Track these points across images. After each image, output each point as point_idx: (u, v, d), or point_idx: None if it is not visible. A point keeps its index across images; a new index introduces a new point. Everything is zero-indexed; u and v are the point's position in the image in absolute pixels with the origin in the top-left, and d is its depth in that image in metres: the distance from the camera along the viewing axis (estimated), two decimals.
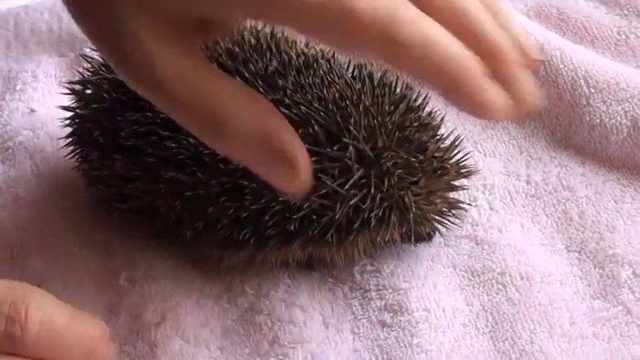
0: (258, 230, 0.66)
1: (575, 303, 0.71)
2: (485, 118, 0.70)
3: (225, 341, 0.69)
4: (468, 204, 0.75)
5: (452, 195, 0.72)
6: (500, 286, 0.72)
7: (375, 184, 0.66)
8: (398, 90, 0.69)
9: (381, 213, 0.66)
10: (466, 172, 0.72)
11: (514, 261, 0.73)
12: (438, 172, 0.69)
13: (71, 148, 0.74)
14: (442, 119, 0.72)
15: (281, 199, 0.65)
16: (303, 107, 0.65)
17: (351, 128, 0.65)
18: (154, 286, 0.71)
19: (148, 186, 0.68)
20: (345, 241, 0.68)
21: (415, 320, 0.70)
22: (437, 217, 0.71)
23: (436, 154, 0.69)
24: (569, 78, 0.82)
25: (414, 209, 0.67)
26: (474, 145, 0.82)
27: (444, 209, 0.71)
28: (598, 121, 0.81)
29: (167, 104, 0.54)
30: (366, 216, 0.66)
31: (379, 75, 0.69)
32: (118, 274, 0.72)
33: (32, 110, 0.85)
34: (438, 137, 0.70)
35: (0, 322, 0.55)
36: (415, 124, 0.68)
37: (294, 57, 0.68)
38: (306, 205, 0.65)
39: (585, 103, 0.81)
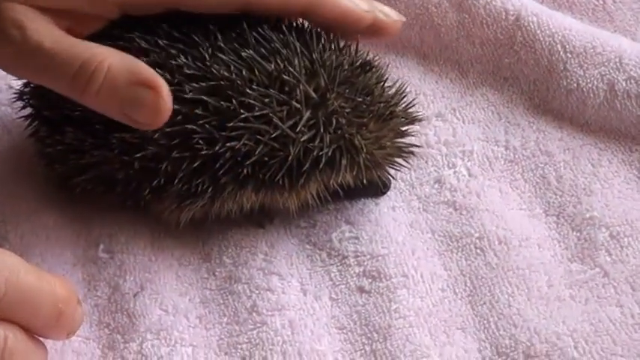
0: (213, 178, 0.67)
1: (553, 266, 0.71)
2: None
3: (204, 310, 0.69)
4: (418, 146, 0.75)
5: (403, 140, 0.72)
6: (478, 251, 0.72)
7: (324, 123, 0.66)
8: (329, 37, 0.71)
9: (330, 153, 0.67)
10: (414, 118, 0.73)
11: (492, 225, 0.73)
12: (386, 117, 0.69)
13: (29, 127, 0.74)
14: (387, 66, 0.73)
15: (232, 143, 0.65)
16: (242, 53, 0.67)
17: (291, 70, 0.66)
18: (132, 257, 0.71)
19: (101, 153, 0.68)
20: (296, 185, 0.68)
21: (393, 286, 0.70)
22: (387, 161, 0.72)
23: (382, 100, 0.69)
24: (547, 43, 0.82)
25: (364, 152, 0.68)
26: (453, 112, 0.82)
27: (395, 154, 0.72)
28: (575, 85, 0.81)
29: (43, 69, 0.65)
30: (315, 156, 0.66)
31: (303, 26, 0.72)
32: (96, 246, 0.72)
33: (10, 87, 0.84)
34: (382, 82, 0.71)
35: None
36: (356, 66, 0.69)
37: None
38: (258, 150, 0.65)
39: (562, 68, 0.81)
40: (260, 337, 0.67)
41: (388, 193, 0.76)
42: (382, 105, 0.69)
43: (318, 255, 0.72)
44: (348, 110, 0.67)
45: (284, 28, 0.70)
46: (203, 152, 0.66)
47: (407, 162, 0.74)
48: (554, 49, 0.82)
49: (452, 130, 0.80)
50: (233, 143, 0.65)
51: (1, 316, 0.57)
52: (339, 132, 0.67)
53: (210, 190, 0.67)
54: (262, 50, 0.67)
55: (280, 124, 0.65)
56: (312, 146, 0.66)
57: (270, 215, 0.73)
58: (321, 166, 0.67)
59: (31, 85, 0.72)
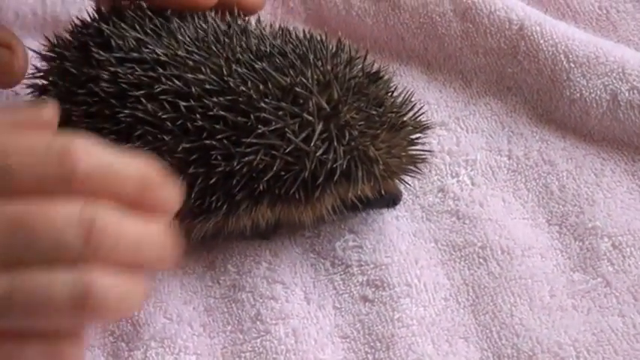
0: (228, 194, 0.67)
1: (556, 276, 0.72)
2: None
3: (208, 318, 0.70)
4: (430, 151, 0.75)
5: (413, 149, 0.72)
6: (481, 260, 0.72)
7: (337, 135, 0.66)
8: (339, 47, 0.71)
9: (345, 166, 0.67)
10: (424, 126, 0.73)
11: (495, 235, 0.74)
12: (398, 126, 0.70)
13: None
14: (393, 74, 0.74)
15: (249, 158, 0.65)
16: (256, 65, 0.67)
17: (304, 82, 0.66)
18: None
19: None
20: (312, 198, 0.68)
21: (397, 295, 0.70)
22: (402, 169, 0.72)
23: (393, 110, 0.70)
24: (550, 53, 0.82)
25: (379, 162, 0.68)
26: (456, 122, 0.82)
27: (408, 162, 0.72)
28: (578, 95, 0.81)
29: None
30: (329, 169, 0.66)
31: (307, 36, 0.71)
32: None
33: (17, 94, 0.85)
34: (391, 92, 0.71)
35: (51, 161, 0.53)
36: (366, 77, 0.69)
37: (225, 26, 0.71)
38: (274, 165, 0.66)
39: (565, 78, 0.81)
40: (264, 346, 0.67)
41: None
42: (393, 115, 0.69)
43: (322, 264, 0.72)
44: (360, 122, 0.67)
45: (296, 38, 0.70)
46: (220, 169, 0.66)
47: (420, 170, 0.74)
48: (557, 59, 0.82)
49: (455, 140, 0.81)
50: (249, 158, 0.65)
51: (88, 191, 0.54)
52: (352, 144, 0.67)
53: (225, 206, 0.67)
54: (276, 62, 0.68)
55: (294, 138, 0.65)
56: (325, 159, 0.66)
57: (275, 227, 0.73)
58: (335, 178, 0.67)
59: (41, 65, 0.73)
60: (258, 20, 0.74)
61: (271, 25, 0.73)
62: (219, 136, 0.65)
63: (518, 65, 0.83)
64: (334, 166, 0.67)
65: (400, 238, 0.74)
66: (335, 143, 0.66)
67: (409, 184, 0.75)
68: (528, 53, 0.83)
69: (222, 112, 0.65)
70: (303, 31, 0.72)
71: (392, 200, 0.75)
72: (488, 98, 0.84)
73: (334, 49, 0.70)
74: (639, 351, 0.67)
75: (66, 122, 0.68)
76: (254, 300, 0.70)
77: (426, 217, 0.76)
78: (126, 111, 0.66)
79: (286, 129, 0.65)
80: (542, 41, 0.82)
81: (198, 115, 0.65)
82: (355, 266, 0.72)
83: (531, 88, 0.83)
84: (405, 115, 0.71)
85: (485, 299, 0.70)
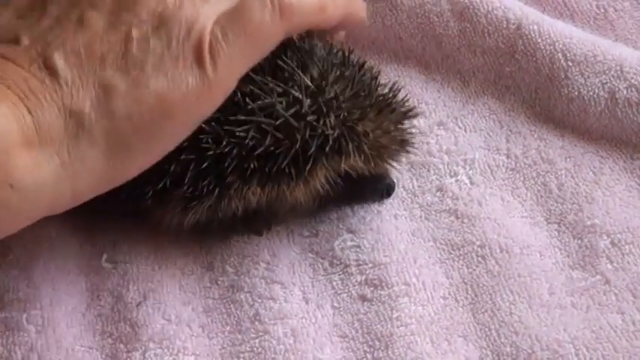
0: (219, 177, 0.67)
1: (554, 273, 0.72)
2: None
3: (207, 319, 0.69)
4: (415, 141, 0.75)
5: (403, 133, 0.73)
6: (480, 259, 0.72)
7: (326, 109, 0.67)
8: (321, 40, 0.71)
9: (335, 136, 0.67)
10: (411, 110, 0.73)
11: (494, 234, 0.74)
12: (385, 109, 0.70)
13: None
14: (378, 66, 0.74)
15: (239, 137, 0.66)
16: None
17: (286, 60, 0.67)
18: (135, 267, 0.71)
19: None
20: (303, 172, 0.68)
21: (395, 294, 0.70)
22: (392, 150, 0.72)
23: (379, 94, 0.70)
24: (547, 52, 0.82)
25: (368, 138, 0.68)
26: (455, 121, 0.82)
27: (397, 145, 0.72)
28: (576, 93, 0.81)
29: None
30: (321, 140, 0.67)
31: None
32: (100, 256, 0.72)
33: None
34: (376, 79, 0.71)
35: None
36: (350, 64, 0.70)
37: None
38: (265, 142, 0.66)
39: (563, 77, 0.81)
40: (262, 346, 0.67)
41: (390, 201, 0.76)
42: (380, 99, 0.70)
43: (321, 264, 0.72)
44: (346, 98, 0.68)
45: None
46: (210, 152, 0.66)
47: (409, 152, 0.74)
48: (555, 58, 0.82)
49: (454, 139, 0.81)
50: (240, 136, 0.65)
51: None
52: (341, 117, 0.67)
53: (216, 189, 0.67)
54: None
55: (283, 112, 0.66)
56: (317, 127, 0.66)
57: (268, 222, 0.73)
58: (327, 149, 0.67)
59: None
60: None
61: None
62: (208, 119, 0.65)
63: (516, 64, 0.83)
64: (326, 134, 0.67)
65: (399, 238, 0.74)
66: (324, 115, 0.67)
67: (398, 170, 0.76)
68: (526, 52, 0.83)
69: None
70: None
71: (386, 190, 0.75)
72: (486, 97, 0.84)
73: (314, 41, 0.71)
74: (638, 348, 0.67)
75: None
76: (252, 300, 0.70)
77: (425, 216, 0.76)
78: None
79: (275, 104, 0.66)
80: (539, 40, 0.82)
81: None
82: (354, 266, 0.72)
83: (529, 87, 0.83)
84: (392, 100, 0.71)
85: (484, 298, 0.70)
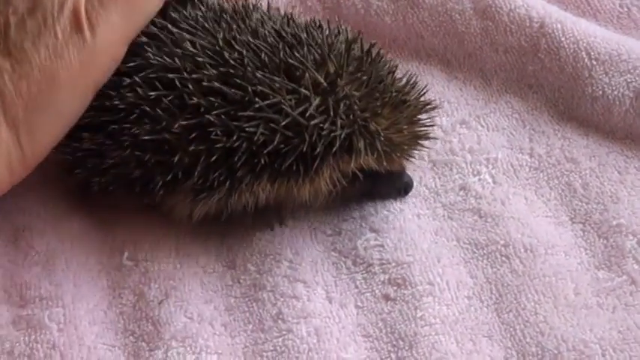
0: (230, 170, 0.67)
1: (580, 274, 0.71)
2: None
3: (229, 318, 0.69)
4: (430, 135, 0.74)
5: (418, 127, 0.72)
6: (504, 259, 0.72)
7: (334, 108, 0.66)
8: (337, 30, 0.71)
9: (343, 136, 0.67)
10: (427, 105, 0.72)
11: (518, 233, 0.73)
12: (400, 104, 0.69)
13: None
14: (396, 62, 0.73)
15: (248, 132, 0.66)
16: (251, 43, 0.68)
17: (299, 57, 0.67)
18: (156, 265, 0.71)
19: (118, 154, 0.69)
20: (310, 170, 0.67)
21: (419, 293, 0.69)
22: (407, 146, 0.71)
23: (394, 89, 0.70)
24: (571, 50, 0.82)
25: (381, 135, 0.68)
26: (477, 120, 0.82)
27: (412, 140, 0.72)
28: (600, 92, 0.80)
29: None
30: (328, 140, 0.66)
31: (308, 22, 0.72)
32: (121, 254, 0.72)
33: None
34: (393, 72, 0.71)
35: None
36: (366, 56, 0.69)
37: (226, 10, 0.72)
38: (275, 139, 0.66)
39: (587, 75, 0.81)
40: (286, 345, 0.67)
41: (413, 200, 0.76)
42: (394, 93, 0.69)
43: (344, 262, 0.72)
44: (359, 96, 0.67)
45: (293, 23, 0.71)
46: (220, 145, 0.66)
47: (424, 148, 0.73)
48: (579, 57, 0.81)
49: (476, 138, 0.80)
50: (250, 131, 0.66)
51: None
52: (352, 117, 0.67)
53: (227, 182, 0.67)
54: (273, 41, 0.68)
55: (290, 111, 0.66)
56: (324, 129, 0.66)
57: (281, 217, 0.73)
58: (334, 149, 0.67)
59: None
60: (268, 8, 0.74)
61: (278, 11, 0.74)
62: (217, 112, 0.66)
63: (539, 63, 0.83)
64: (332, 135, 0.66)
65: (422, 237, 0.73)
66: (332, 116, 0.66)
67: (415, 163, 0.76)
68: (549, 51, 0.82)
69: (217, 85, 0.66)
70: (298, 21, 0.72)
71: (403, 188, 0.74)
72: (509, 96, 0.84)
73: (333, 32, 0.71)
74: None
75: None
76: (275, 299, 0.69)
77: (448, 215, 0.75)
78: (116, 102, 0.68)
79: (282, 103, 0.66)
80: (563, 39, 0.82)
81: (190, 87, 0.66)
82: (377, 265, 0.71)
83: (553, 86, 0.83)
84: (407, 94, 0.71)
85: (509, 297, 0.70)
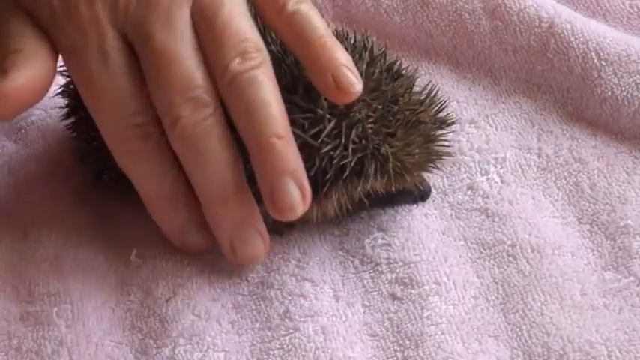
0: None
1: (586, 274, 0.71)
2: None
3: (237, 315, 0.69)
4: (449, 151, 0.74)
5: (434, 146, 0.72)
6: (511, 259, 0.72)
7: (346, 134, 0.66)
8: (362, 43, 0.71)
9: (354, 163, 0.67)
10: (443, 122, 0.72)
11: (525, 233, 0.73)
12: (414, 123, 0.69)
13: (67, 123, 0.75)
14: (416, 70, 0.73)
15: None
16: (275, 53, 0.68)
17: None
18: (164, 262, 0.71)
19: None
20: (320, 194, 0.68)
21: (426, 293, 0.70)
22: (419, 167, 0.72)
23: (410, 106, 0.69)
24: (580, 51, 0.82)
25: (391, 160, 0.68)
26: (486, 120, 0.82)
27: (426, 160, 0.72)
28: (609, 93, 0.80)
29: None
30: (339, 166, 0.67)
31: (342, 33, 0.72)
32: (129, 250, 0.72)
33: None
34: (411, 88, 0.71)
35: None
36: (385, 73, 0.69)
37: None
38: None
39: (596, 76, 0.81)
40: (292, 343, 0.67)
41: None
42: (409, 112, 0.69)
43: (351, 262, 0.72)
44: (373, 119, 0.67)
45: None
46: None
47: (439, 167, 0.74)
48: (588, 57, 0.81)
49: (485, 137, 0.80)
50: None
51: None
52: (364, 142, 0.67)
53: None
54: (292, 57, 0.68)
55: (301, 133, 0.66)
56: (334, 155, 0.66)
57: (289, 222, 0.72)
58: (345, 175, 0.67)
59: (71, 86, 0.73)
60: None
61: None
62: None
63: (548, 63, 0.83)
64: (343, 163, 0.67)
65: (429, 236, 0.73)
66: (344, 141, 0.66)
67: (433, 179, 0.75)
68: (558, 51, 0.82)
69: None
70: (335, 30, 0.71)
71: (420, 196, 0.75)
72: (517, 96, 0.84)
73: (358, 45, 0.71)
74: None
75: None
76: (282, 297, 0.69)
77: (455, 215, 0.75)
78: None
79: (294, 123, 0.65)
80: (572, 39, 0.82)
81: None
82: (384, 264, 0.71)
83: (561, 86, 0.83)
84: (424, 112, 0.71)
85: (515, 298, 0.70)
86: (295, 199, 0.63)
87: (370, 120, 0.67)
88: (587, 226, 0.74)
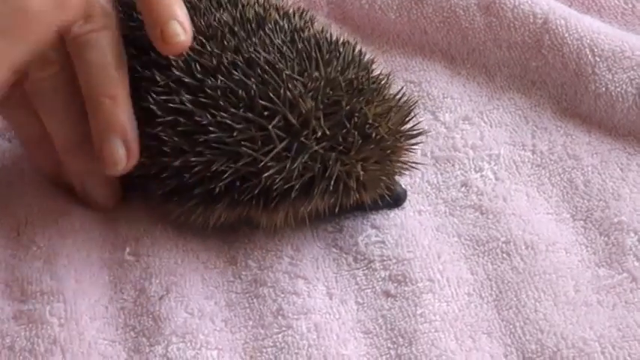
0: (182, 186, 0.68)
1: (580, 271, 0.71)
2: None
3: (230, 313, 0.69)
4: (412, 166, 0.73)
5: (396, 157, 0.71)
6: (504, 255, 0.72)
7: (293, 157, 0.66)
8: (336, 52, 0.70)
9: (298, 186, 0.67)
10: (405, 136, 0.71)
11: (519, 230, 0.73)
12: (372, 139, 0.68)
13: None
14: (387, 79, 0.71)
15: (202, 159, 0.66)
16: (240, 69, 0.67)
17: (274, 98, 0.66)
18: (157, 260, 0.71)
19: None
20: (269, 207, 0.68)
21: (419, 290, 0.69)
22: (379, 183, 0.71)
23: (369, 121, 0.68)
24: (575, 47, 0.82)
25: (343, 179, 0.68)
26: (480, 116, 0.82)
27: (387, 173, 0.71)
28: (604, 89, 0.80)
29: None
30: (284, 187, 0.67)
31: (319, 38, 0.70)
32: (122, 249, 0.72)
33: None
34: (374, 101, 0.69)
35: None
36: (348, 88, 0.68)
37: (239, 15, 0.70)
38: (229, 172, 0.66)
39: (591, 72, 0.81)
40: (285, 341, 0.67)
41: (415, 196, 0.76)
42: (367, 127, 0.67)
43: (345, 259, 0.72)
44: (326, 138, 0.67)
45: (299, 42, 0.69)
46: (174, 163, 0.67)
47: (400, 178, 0.73)
48: (582, 53, 0.81)
49: (479, 134, 0.80)
50: (203, 159, 0.66)
51: None
52: (311, 162, 0.66)
53: (175, 198, 0.69)
54: (258, 72, 0.67)
55: (252, 152, 0.66)
56: (279, 177, 0.66)
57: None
58: (293, 195, 0.67)
59: None
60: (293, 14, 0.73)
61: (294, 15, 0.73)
62: (178, 129, 0.67)
63: (542, 59, 0.83)
64: (290, 184, 0.66)
65: (423, 233, 0.73)
66: (291, 162, 0.66)
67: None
68: (553, 47, 0.82)
69: (188, 105, 0.66)
70: (308, 35, 0.71)
71: (394, 202, 0.74)
72: (512, 92, 0.84)
73: (330, 54, 0.69)
74: None
75: None
76: (275, 295, 0.69)
77: (449, 211, 0.75)
78: None
79: (244, 142, 0.66)
80: (567, 35, 0.82)
81: (157, 106, 0.67)
82: (378, 261, 0.71)
83: (556, 82, 0.83)
84: (383, 125, 0.68)
85: (509, 294, 0.70)
86: (120, 156, 0.67)
87: (323, 139, 0.67)
88: (582, 223, 0.74)
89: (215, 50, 0.68)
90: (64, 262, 0.70)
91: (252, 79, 0.67)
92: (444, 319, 0.68)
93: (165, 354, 0.66)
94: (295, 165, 0.66)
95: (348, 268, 0.71)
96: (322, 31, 0.71)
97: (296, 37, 0.69)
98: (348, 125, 0.67)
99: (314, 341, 0.67)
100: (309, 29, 0.71)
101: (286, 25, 0.70)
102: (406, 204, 0.75)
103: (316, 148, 0.66)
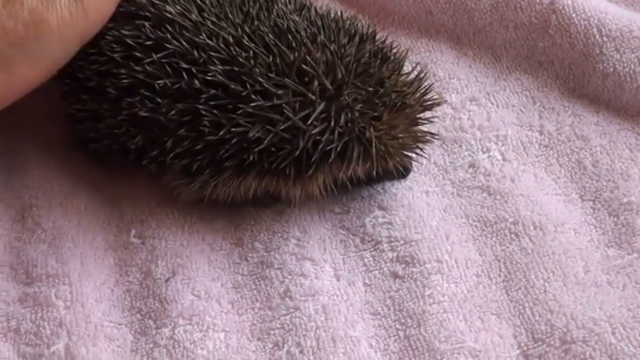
0: (214, 160, 0.67)
1: (590, 251, 0.71)
2: None
3: (237, 295, 0.69)
4: (435, 136, 0.73)
5: (418, 128, 0.71)
6: (513, 236, 0.71)
7: (335, 117, 0.66)
8: (352, 26, 0.71)
9: (340, 147, 0.67)
10: (429, 104, 0.71)
11: (527, 210, 0.73)
12: (400, 107, 0.69)
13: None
14: (406, 53, 0.72)
15: (239, 129, 0.66)
16: (267, 37, 0.67)
17: (310, 61, 0.66)
18: (163, 242, 0.71)
19: (115, 122, 0.69)
20: (304, 175, 0.68)
21: (427, 271, 0.69)
22: (402, 152, 0.71)
23: (397, 89, 0.69)
24: (582, 27, 0.81)
25: (375, 144, 0.67)
26: (487, 97, 0.81)
27: (410, 143, 0.71)
28: (612, 69, 0.80)
29: None
30: (325, 150, 0.66)
31: (333, 14, 0.71)
32: (128, 231, 0.71)
33: None
34: (399, 71, 0.70)
35: None
36: (374, 57, 0.69)
37: None
38: (267, 139, 0.65)
39: (598, 52, 0.80)
40: (293, 323, 0.67)
41: (422, 177, 0.75)
42: (395, 95, 0.68)
43: (352, 240, 0.71)
44: (360, 103, 0.67)
45: (315, 14, 0.70)
46: (208, 137, 0.66)
47: (422, 150, 0.73)
48: (589, 33, 0.81)
49: (486, 115, 0.80)
50: (242, 129, 0.65)
51: None
52: (350, 125, 0.67)
53: (209, 172, 0.68)
54: (288, 39, 0.67)
55: (292, 115, 0.65)
56: (321, 139, 0.66)
57: (275, 195, 0.72)
58: (330, 159, 0.67)
59: None
60: None
61: None
62: (214, 103, 0.66)
63: (549, 39, 0.82)
64: (329, 147, 0.66)
65: (430, 214, 0.73)
66: (332, 124, 0.66)
67: (416, 160, 0.74)
68: (560, 27, 0.82)
69: (221, 78, 0.66)
70: (318, 11, 0.71)
71: (400, 173, 0.74)
72: (518, 73, 0.83)
73: (347, 27, 0.70)
74: None
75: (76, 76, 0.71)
76: (283, 277, 0.69)
77: (457, 192, 0.75)
78: (123, 75, 0.68)
79: (285, 105, 0.65)
80: (574, 15, 0.81)
81: (196, 81, 0.66)
82: (385, 242, 0.71)
83: (563, 63, 0.82)
84: (411, 94, 0.70)
85: (518, 275, 0.69)
86: None
87: (358, 102, 0.67)
88: (590, 203, 0.74)
89: (236, 20, 0.68)
90: (69, 245, 0.70)
91: (294, 47, 0.67)
92: (452, 300, 0.68)
93: (172, 336, 0.66)
94: (335, 125, 0.66)
95: (355, 250, 0.71)
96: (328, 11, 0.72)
97: (311, 11, 0.71)
98: (380, 91, 0.67)
99: (322, 323, 0.66)
100: (315, 8, 0.72)
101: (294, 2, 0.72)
102: (413, 185, 0.74)
103: (356, 108, 0.67)
